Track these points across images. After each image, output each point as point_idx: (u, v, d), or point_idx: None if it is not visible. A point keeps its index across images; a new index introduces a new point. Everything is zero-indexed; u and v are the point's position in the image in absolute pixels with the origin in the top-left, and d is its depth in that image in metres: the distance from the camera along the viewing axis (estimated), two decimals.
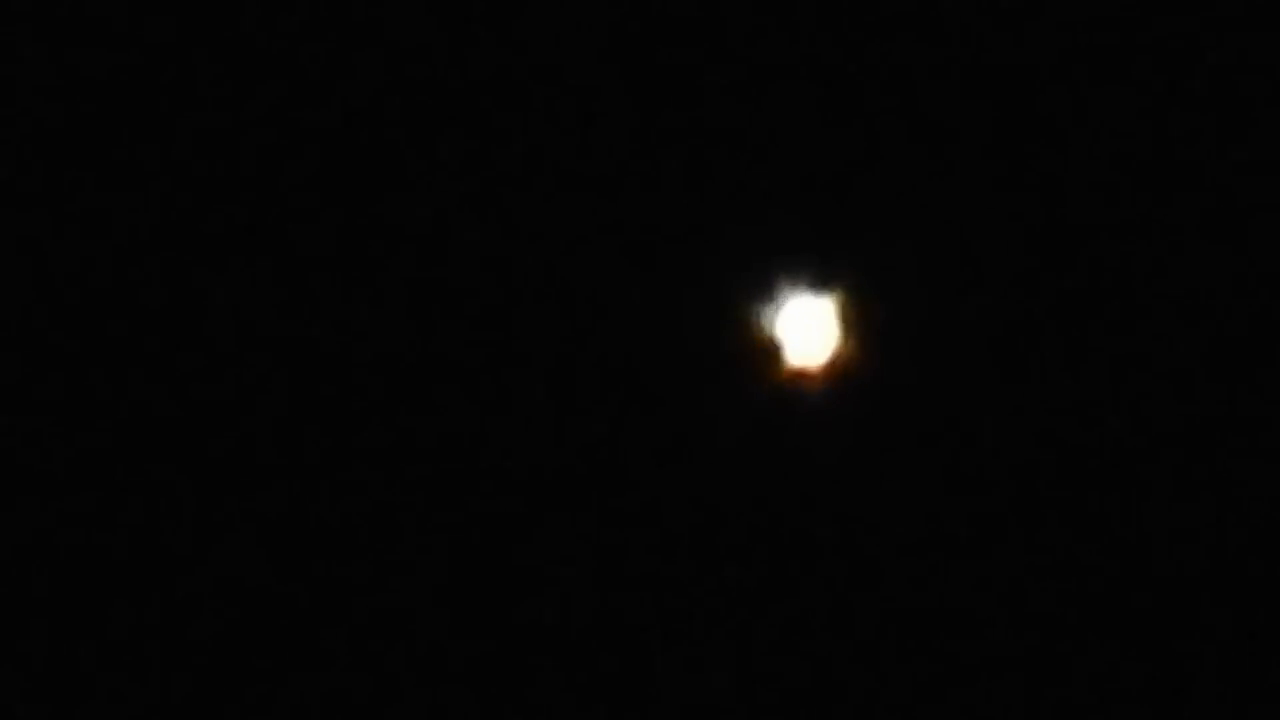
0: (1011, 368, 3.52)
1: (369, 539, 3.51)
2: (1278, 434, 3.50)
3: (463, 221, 3.53)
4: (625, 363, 3.52)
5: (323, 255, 3.52)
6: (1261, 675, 3.46)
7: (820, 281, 3.51)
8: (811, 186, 3.53)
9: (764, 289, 3.51)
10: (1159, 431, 3.51)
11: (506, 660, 3.51)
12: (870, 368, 3.49)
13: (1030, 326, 3.52)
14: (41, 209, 3.53)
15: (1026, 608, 3.49)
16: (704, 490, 3.52)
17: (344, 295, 3.51)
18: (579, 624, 3.49)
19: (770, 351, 3.50)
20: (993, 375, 3.53)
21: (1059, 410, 3.51)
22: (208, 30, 3.53)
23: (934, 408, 3.52)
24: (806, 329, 3.50)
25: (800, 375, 3.49)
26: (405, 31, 3.52)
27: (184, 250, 3.53)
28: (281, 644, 3.49)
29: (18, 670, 3.43)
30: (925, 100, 3.50)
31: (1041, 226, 3.53)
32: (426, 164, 3.54)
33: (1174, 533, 3.49)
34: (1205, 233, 3.53)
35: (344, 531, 3.51)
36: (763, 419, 3.50)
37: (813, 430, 3.52)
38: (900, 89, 3.49)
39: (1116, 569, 3.49)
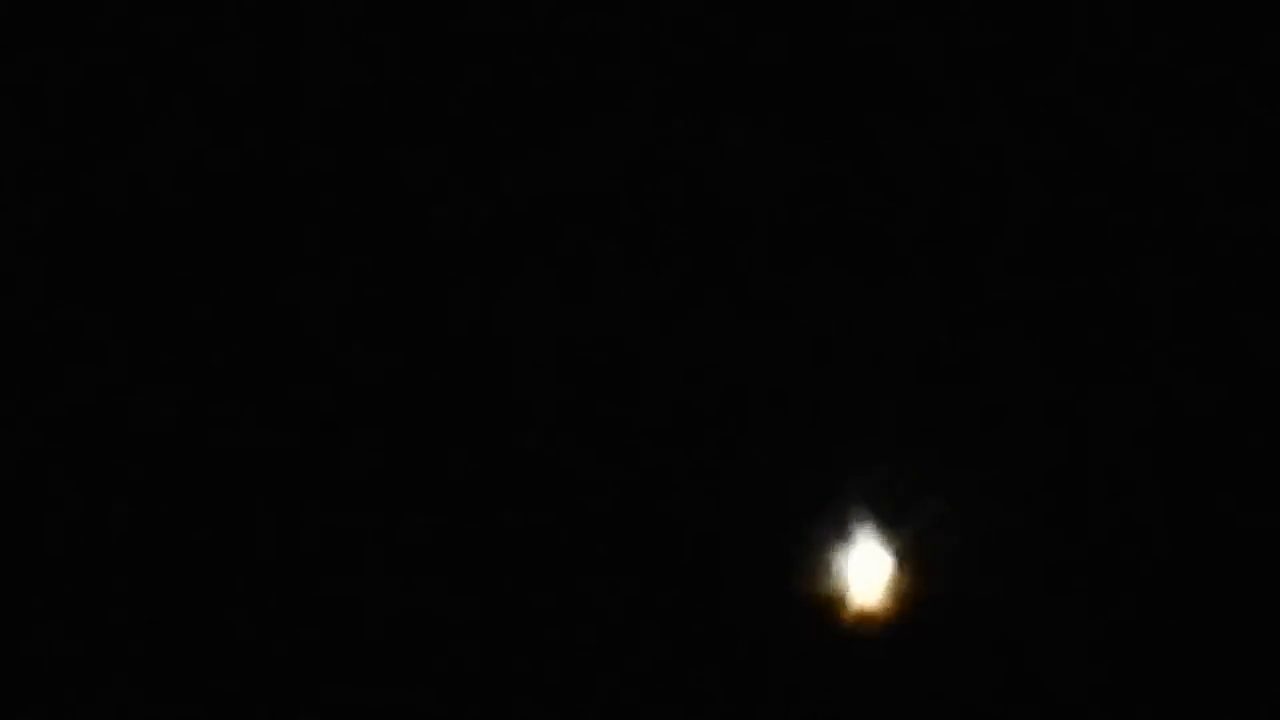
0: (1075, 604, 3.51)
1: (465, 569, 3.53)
2: None
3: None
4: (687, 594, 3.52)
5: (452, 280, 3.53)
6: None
7: (882, 525, 3.51)
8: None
9: (829, 533, 3.51)
10: None
11: None
12: (929, 610, 3.48)
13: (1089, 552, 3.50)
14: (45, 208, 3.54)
15: None
16: None
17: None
18: None
19: (835, 595, 3.48)
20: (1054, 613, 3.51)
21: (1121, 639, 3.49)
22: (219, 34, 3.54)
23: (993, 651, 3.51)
24: (869, 572, 3.49)
25: (863, 618, 3.48)
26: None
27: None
28: (286, 644, 3.49)
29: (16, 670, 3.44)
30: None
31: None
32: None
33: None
34: None
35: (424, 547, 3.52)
36: (825, 662, 3.49)
37: (873, 674, 3.50)
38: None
39: None
